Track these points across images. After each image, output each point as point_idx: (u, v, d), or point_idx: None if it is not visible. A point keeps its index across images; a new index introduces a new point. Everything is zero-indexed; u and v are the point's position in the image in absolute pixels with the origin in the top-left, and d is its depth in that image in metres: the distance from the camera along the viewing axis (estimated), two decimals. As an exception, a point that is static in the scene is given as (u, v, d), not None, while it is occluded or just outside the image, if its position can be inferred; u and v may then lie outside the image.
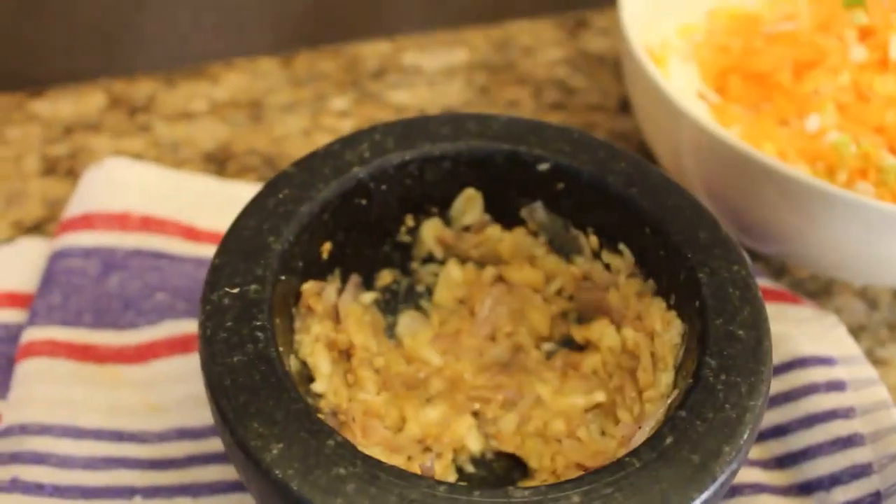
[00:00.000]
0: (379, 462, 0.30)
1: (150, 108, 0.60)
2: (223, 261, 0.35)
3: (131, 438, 0.40)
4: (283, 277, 0.35)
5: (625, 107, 0.63)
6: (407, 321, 0.42)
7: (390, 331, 0.42)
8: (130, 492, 0.39)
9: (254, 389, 0.31)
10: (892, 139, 0.47)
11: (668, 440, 0.30)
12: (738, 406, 0.31)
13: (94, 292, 0.45)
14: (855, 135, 0.48)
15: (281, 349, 0.33)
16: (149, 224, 0.48)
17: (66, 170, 0.55)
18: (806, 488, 0.40)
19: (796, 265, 0.51)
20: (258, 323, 0.33)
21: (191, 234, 0.50)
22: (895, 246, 0.43)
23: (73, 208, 0.48)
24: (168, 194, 0.50)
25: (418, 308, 0.43)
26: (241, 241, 0.35)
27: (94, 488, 0.38)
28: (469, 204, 0.41)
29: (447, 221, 0.42)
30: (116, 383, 0.42)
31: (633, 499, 0.29)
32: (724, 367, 0.32)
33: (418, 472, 0.35)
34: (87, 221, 0.47)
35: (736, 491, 0.39)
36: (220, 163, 0.57)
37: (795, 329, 0.44)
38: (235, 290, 0.33)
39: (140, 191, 0.49)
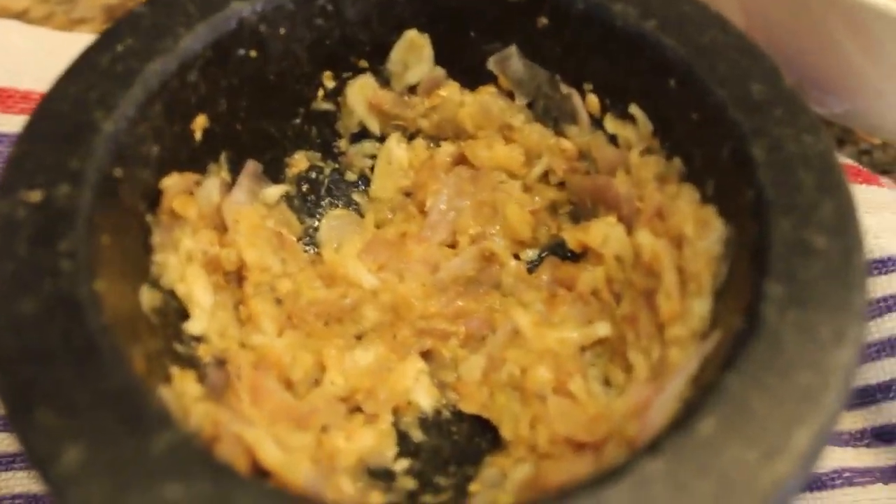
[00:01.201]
0: (236, 476, 0.22)
1: None
2: (24, 149, 0.27)
3: None
4: (118, 171, 0.28)
5: None
6: (332, 224, 0.37)
7: (310, 238, 0.37)
8: None
9: (48, 354, 0.24)
10: None
11: (708, 424, 0.23)
12: (819, 364, 0.24)
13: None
14: None
15: (103, 285, 0.25)
16: (7, 100, 0.43)
17: (-70, 33, 0.49)
18: (883, 436, 0.36)
19: (864, 130, 0.46)
20: (64, 246, 0.25)
21: (69, 111, 0.43)
22: None
23: None
24: (38, 61, 0.44)
25: (350, 204, 0.38)
26: (53, 120, 0.28)
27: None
28: (413, 53, 0.35)
29: (384, 79, 0.36)
30: None
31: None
32: (794, 297, 0.25)
33: (332, 450, 0.29)
34: (-74, 99, 0.42)
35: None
36: None
37: (873, 219, 0.39)
38: (35, 196, 0.26)
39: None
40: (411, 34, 0.35)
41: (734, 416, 0.23)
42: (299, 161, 0.37)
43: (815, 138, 0.28)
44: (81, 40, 0.44)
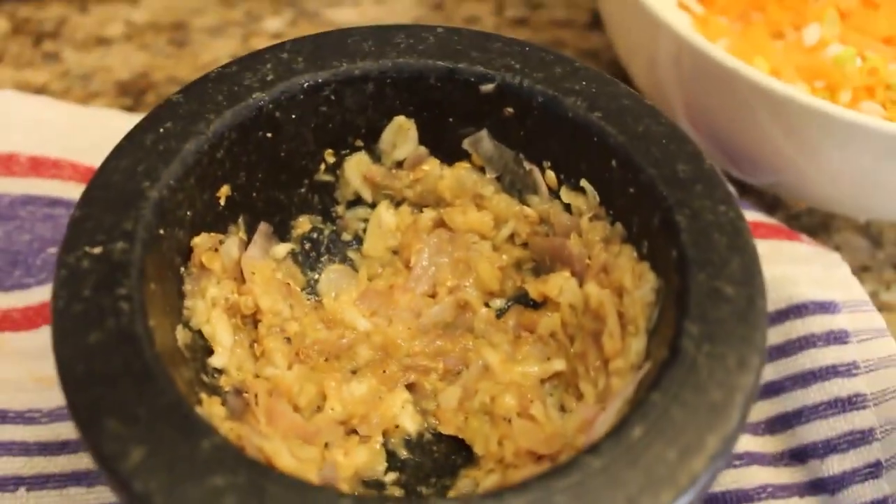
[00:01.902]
0: (267, 469, 0.25)
1: (60, 33, 0.56)
2: (84, 213, 0.30)
3: (17, 419, 0.37)
4: (161, 231, 0.31)
5: (596, 22, 0.59)
6: (330, 277, 0.38)
7: (311, 288, 0.38)
8: (16, 482, 0.35)
9: (112, 377, 0.27)
10: (904, 51, 0.45)
11: (637, 431, 0.26)
12: (726, 385, 0.27)
13: (-25, 247, 0.42)
14: (860, 47, 0.46)
15: (153, 323, 0.29)
16: (39, 166, 0.45)
17: (-40, 105, 0.50)
18: (798, 455, 0.38)
19: (792, 198, 0.49)
20: (122, 291, 0.28)
21: (91, 177, 0.44)
22: (906, 176, 0.40)
23: (-49, 150, 0.44)
24: (64, 132, 0.46)
25: (345, 260, 0.39)
26: (108, 189, 0.31)
27: (-30, 480, 0.35)
28: (400, 135, 0.37)
29: (375, 156, 0.38)
30: (0, 354, 0.39)
31: (590, 511, 0.25)
32: (707, 334, 0.28)
33: (334, 463, 0.32)
34: (-34, 165, 0.44)
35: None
36: (136, 95, 0.54)
37: (793, 270, 0.42)
38: (97, 250, 0.29)
39: (29, 128, 0.46)
40: (400, 119, 0.37)
41: (659, 425, 0.26)
42: (303, 223, 0.38)
43: (728, 208, 0.31)
44: (98, 114, 0.47)
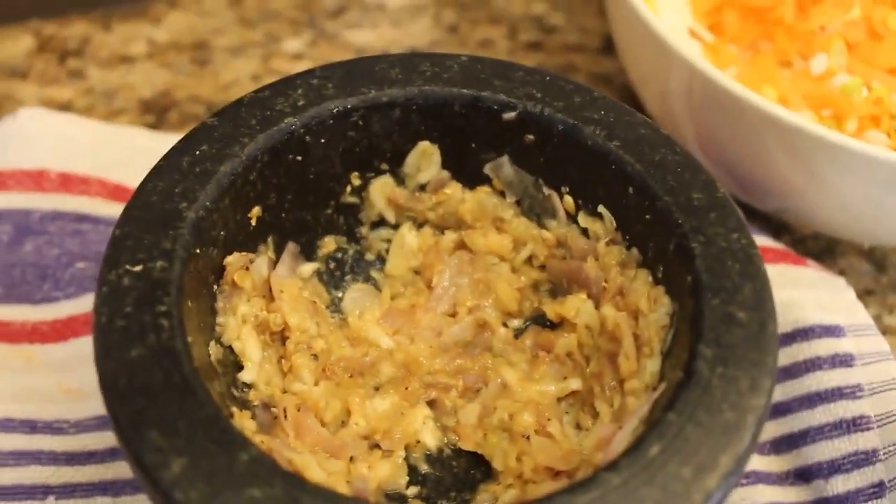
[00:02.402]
0: (301, 481, 0.26)
1: (84, 51, 0.57)
2: (125, 232, 0.31)
3: (45, 429, 0.38)
4: (197, 250, 0.32)
5: (608, 47, 0.59)
6: (354, 296, 0.39)
7: (336, 307, 0.39)
8: (44, 491, 0.36)
9: (154, 391, 0.27)
10: (909, 82, 0.45)
11: (654, 450, 0.27)
12: (738, 406, 0.28)
13: (5, 261, 0.42)
14: (866, 77, 0.46)
15: (190, 339, 0.29)
16: (68, 183, 0.45)
17: (-14, 120, 0.50)
18: (804, 475, 0.38)
19: (798, 223, 0.49)
20: (162, 308, 0.29)
21: (118, 193, 0.46)
22: (910, 203, 0.41)
23: (-17, 166, 0.44)
24: (92, 149, 0.47)
25: (368, 280, 0.40)
26: (147, 209, 0.32)
27: (1, 487, 0.36)
28: (424, 159, 0.38)
29: (400, 179, 0.39)
30: (29, 365, 0.40)
31: (610, 526, 0.26)
32: (721, 357, 0.29)
33: (361, 476, 0.33)
34: (-3, 180, 0.44)
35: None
36: (159, 112, 0.54)
37: (799, 294, 0.42)
38: (137, 268, 0.30)
39: (58, 145, 0.46)
40: (424, 144, 0.37)
41: (674, 444, 0.27)
42: (329, 244, 0.39)
43: (741, 236, 0.32)
44: (122, 132, 0.47)
